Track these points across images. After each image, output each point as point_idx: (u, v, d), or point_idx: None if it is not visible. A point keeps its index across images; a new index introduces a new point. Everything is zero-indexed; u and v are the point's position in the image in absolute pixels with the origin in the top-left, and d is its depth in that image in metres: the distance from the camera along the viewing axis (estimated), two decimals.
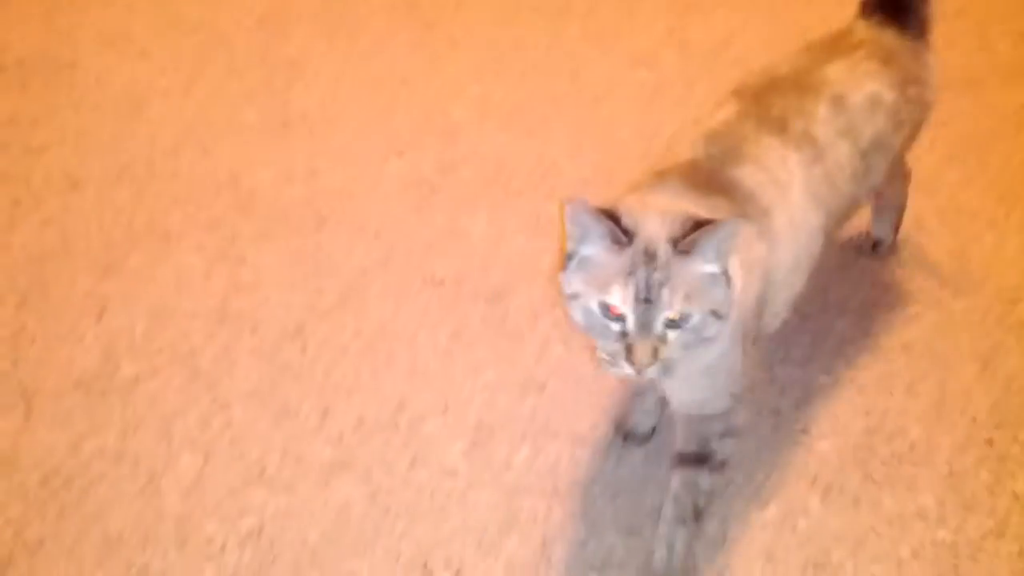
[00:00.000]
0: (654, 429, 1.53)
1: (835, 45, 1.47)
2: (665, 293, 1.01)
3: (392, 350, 1.68)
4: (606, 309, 1.04)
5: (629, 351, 1.04)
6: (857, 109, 1.38)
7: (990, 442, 1.53)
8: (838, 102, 1.36)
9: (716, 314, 1.05)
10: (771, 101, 1.34)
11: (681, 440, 1.31)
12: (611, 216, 1.03)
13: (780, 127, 1.30)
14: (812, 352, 1.66)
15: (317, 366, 1.65)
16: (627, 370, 1.06)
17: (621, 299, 1.02)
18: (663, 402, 1.45)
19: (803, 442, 1.53)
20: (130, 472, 1.48)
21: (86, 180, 2.04)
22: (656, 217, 1.05)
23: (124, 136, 2.17)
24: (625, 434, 1.53)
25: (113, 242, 1.89)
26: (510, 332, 1.71)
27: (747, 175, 1.23)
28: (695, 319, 1.04)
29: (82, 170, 2.07)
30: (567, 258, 1.08)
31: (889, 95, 1.42)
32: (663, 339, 1.04)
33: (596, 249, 1.05)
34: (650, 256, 1.02)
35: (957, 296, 1.77)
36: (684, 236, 1.02)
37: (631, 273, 1.02)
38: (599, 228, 1.03)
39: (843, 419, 1.56)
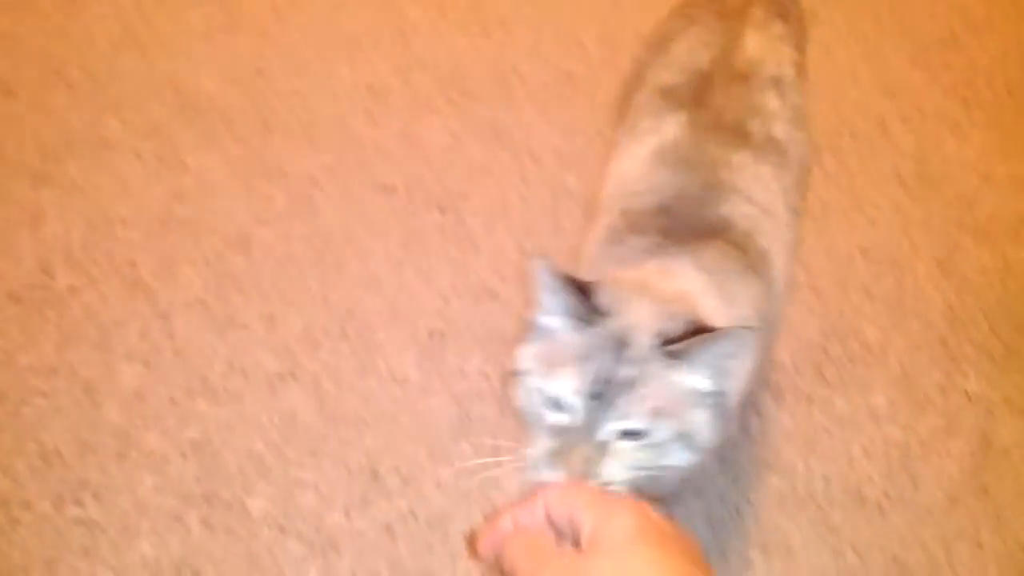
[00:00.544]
0: None
1: (721, 4, 1.26)
2: (626, 397, 0.80)
3: (341, 258, 1.64)
4: (547, 395, 0.83)
5: (560, 453, 0.80)
6: (791, 86, 1.20)
7: (943, 343, 1.52)
8: (778, 86, 1.18)
9: (688, 441, 0.83)
10: (716, 102, 1.14)
11: None
12: (580, 287, 0.85)
13: (742, 136, 1.11)
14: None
15: (263, 275, 1.61)
16: (552, 476, 0.81)
17: (567, 387, 0.81)
18: None
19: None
20: (67, 385, 1.44)
21: (19, 85, 1.95)
22: (648, 304, 0.86)
23: (59, 39, 2.07)
24: None
25: (49, 149, 1.81)
26: (464, 240, 1.67)
27: (735, 211, 1.03)
28: (659, 437, 0.81)
29: (14, 74, 1.97)
30: (528, 327, 0.90)
31: (797, 56, 1.26)
32: (607, 450, 0.81)
33: (557, 322, 0.86)
34: (620, 345, 0.82)
35: (917, 199, 1.75)
36: (680, 337, 0.82)
37: (587, 358, 0.81)
38: (561, 298, 0.85)
39: (798, 322, 1.54)
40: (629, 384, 0.80)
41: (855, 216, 1.71)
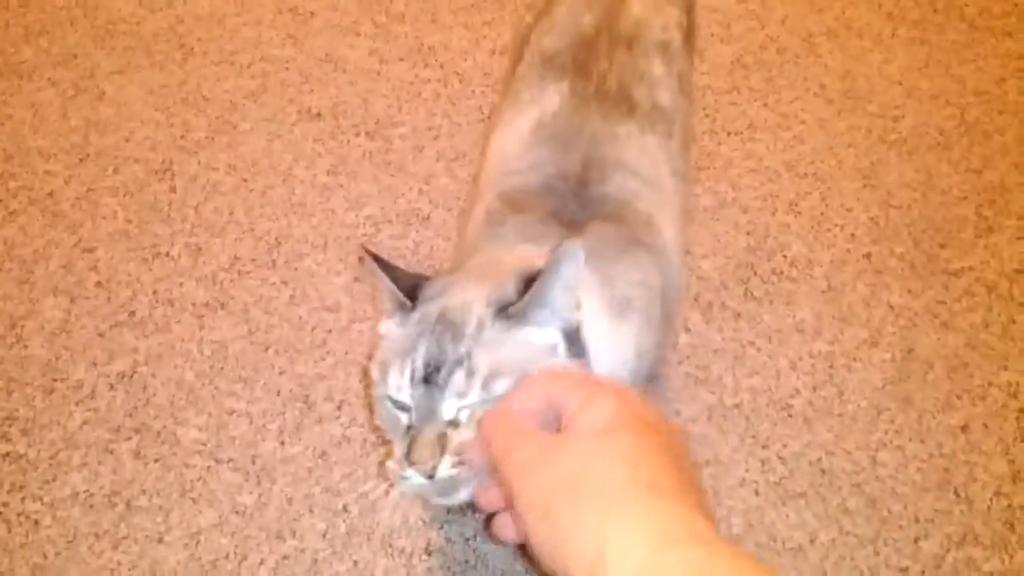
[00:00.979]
0: None
1: None
2: (460, 375, 0.74)
3: (267, 186, 1.61)
4: (388, 397, 0.79)
5: (410, 449, 0.75)
6: (677, 52, 1.14)
7: (868, 256, 1.55)
8: (665, 51, 1.12)
9: None
10: (600, 68, 1.07)
11: None
12: (407, 279, 0.82)
13: (627, 105, 1.05)
14: (697, 175, 1.64)
15: (187, 204, 1.57)
16: (411, 478, 0.76)
17: (396, 383, 0.77)
18: None
19: (686, 262, 1.52)
20: None
21: None
22: (484, 281, 0.81)
23: None
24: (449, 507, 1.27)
25: None
26: (392, 165, 1.65)
27: (620, 188, 0.98)
28: (501, 390, 0.74)
29: None
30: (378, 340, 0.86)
31: (684, 19, 1.20)
32: (455, 424, 0.76)
33: (390, 323, 0.84)
34: (445, 326, 0.77)
35: (842, 114, 1.76)
36: (517, 298, 0.77)
37: (412, 348, 0.77)
38: (388, 292, 0.82)
39: (725, 239, 1.56)
40: (459, 361, 0.75)
41: (781, 133, 1.72)
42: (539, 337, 0.77)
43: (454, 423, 0.75)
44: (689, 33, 1.23)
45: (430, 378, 0.75)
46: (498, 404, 0.71)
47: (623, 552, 0.47)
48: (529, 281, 0.77)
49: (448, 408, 0.75)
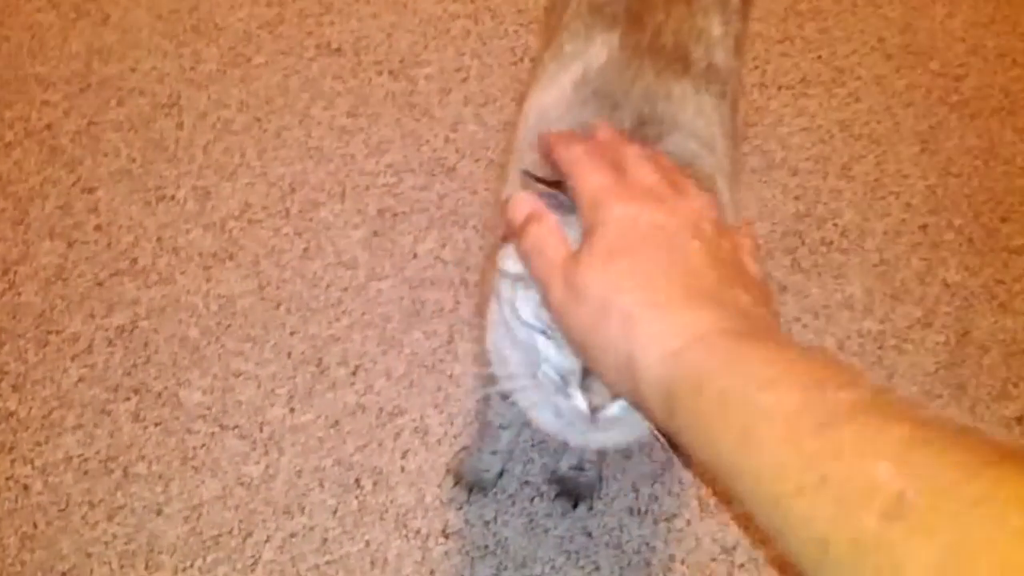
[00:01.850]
0: (504, 470, 1.21)
1: None
2: None
3: (282, 126, 1.49)
4: None
5: (589, 378, 0.67)
6: (735, 11, 1.04)
7: (924, 228, 1.45)
8: (724, 8, 1.02)
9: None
10: (656, 20, 0.96)
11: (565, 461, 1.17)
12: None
13: (682, 62, 0.94)
14: (744, 132, 1.52)
15: (195, 143, 1.46)
16: (579, 405, 0.69)
17: None
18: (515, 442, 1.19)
19: None
20: None
21: None
22: None
23: None
24: (470, 485, 1.19)
25: None
26: (417, 108, 1.53)
27: (676, 148, 0.88)
28: None
29: None
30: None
31: None
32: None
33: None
34: None
35: (900, 71, 1.63)
36: None
37: None
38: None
39: (772, 204, 1.45)
40: None
41: (836, 89, 1.60)
42: None
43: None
44: None
45: None
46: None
47: (650, 385, 0.51)
48: None
49: None
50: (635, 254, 0.55)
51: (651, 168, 0.62)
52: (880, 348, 1.32)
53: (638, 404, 0.55)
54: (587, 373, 0.67)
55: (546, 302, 0.61)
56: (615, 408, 0.67)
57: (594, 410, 0.67)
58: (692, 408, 0.49)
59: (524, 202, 0.63)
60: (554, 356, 0.70)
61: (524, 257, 0.63)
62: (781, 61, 1.62)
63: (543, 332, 0.70)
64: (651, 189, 0.60)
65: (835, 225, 1.44)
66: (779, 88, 1.59)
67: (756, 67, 1.61)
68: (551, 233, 0.60)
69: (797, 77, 1.61)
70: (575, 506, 1.17)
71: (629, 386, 0.54)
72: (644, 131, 0.88)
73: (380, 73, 1.57)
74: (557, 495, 1.18)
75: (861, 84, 1.61)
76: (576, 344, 0.58)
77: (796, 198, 1.46)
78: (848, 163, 1.51)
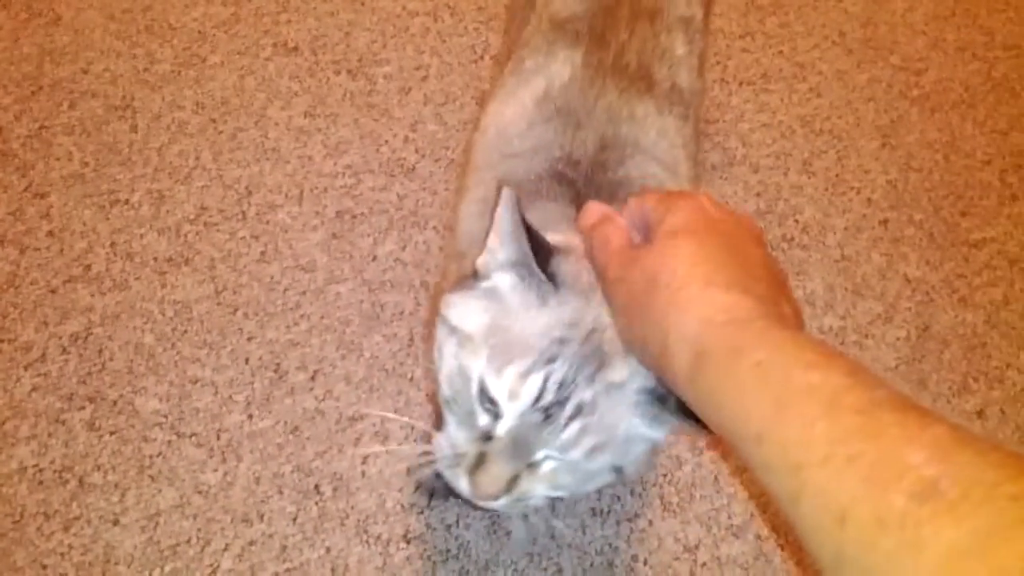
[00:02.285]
0: None
1: None
2: (575, 428, 0.65)
3: (238, 128, 1.47)
4: (483, 389, 0.66)
5: (477, 466, 0.67)
6: (698, 30, 1.03)
7: (884, 223, 1.45)
8: (687, 28, 1.00)
9: (620, 473, 0.71)
10: (619, 38, 0.94)
11: None
12: (538, 242, 0.67)
13: (645, 82, 0.92)
14: (705, 129, 1.52)
15: (149, 146, 1.44)
16: (460, 487, 0.69)
17: (512, 388, 0.64)
18: None
19: None
20: None
21: None
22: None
23: None
24: (430, 491, 1.16)
25: None
26: (375, 107, 1.52)
27: (637, 171, 0.86)
28: (594, 467, 0.68)
29: None
30: (473, 274, 0.71)
31: None
32: (532, 472, 0.68)
33: (507, 282, 0.68)
34: (592, 352, 0.65)
35: (861, 66, 1.64)
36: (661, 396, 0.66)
37: (551, 358, 0.64)
38: (516, 249, 0.67)
39: (734, 200, 1.44)
40: (581, 410, 0.65)
41: (797, 84, 1.60)
42: (655, 434, 0.69)
43: (533, 466, 0.68)
44: (708, 10, 1.10)
45: (551, 410, 0.64)
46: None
47: (681, 340, 0.54)
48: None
49: (544, 453, 0.67)
50: (698, 237, 0.59)
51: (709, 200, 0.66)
52: (841, 344, 1.32)
53: (660, 365, 0.57)
54: (481, 461, 0.66)
55: (601, 282, 0.65)
56: (501, 503, 0.68)
57: (480, 498, 0.67)
58: (724, 371, 0.52)
59: (596, 208, 0.68)
60: (453, 431, 0.70)
61: (589, 252, 0.67)
62: (742, 57, 1.62)
63: (448, 403, 0.69)
64: (715, 202, 0.65)
65: (796, 221, 1.44)
66: (740, 84, 1.58)
67: (717, 63, 1.60)
68: (618, 228, 0.65)
69: (758, 73, 1.60)
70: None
71: (657, 344, 0.57)
72: (606, 155, 0.87)
73: (338, 72, 1.55)
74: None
75: (822, 79, 1.61)
76: (618, 315, 0.63)
77: (757, 195, 1.46)
78: (809, 159, 1.51)
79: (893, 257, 1.41)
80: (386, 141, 1.47)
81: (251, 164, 1.43)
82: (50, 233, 1.34)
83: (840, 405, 0.46)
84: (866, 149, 1.53)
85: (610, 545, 1.15)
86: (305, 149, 1.45)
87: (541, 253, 0.67)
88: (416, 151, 1.46)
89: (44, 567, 1.10)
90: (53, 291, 1.29)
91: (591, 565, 1.13)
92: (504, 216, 0.66)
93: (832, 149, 1.52)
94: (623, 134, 0.88)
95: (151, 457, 1.17)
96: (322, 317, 1.28)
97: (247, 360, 1.24)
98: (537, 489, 0.68)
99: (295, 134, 1.47)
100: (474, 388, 0.66)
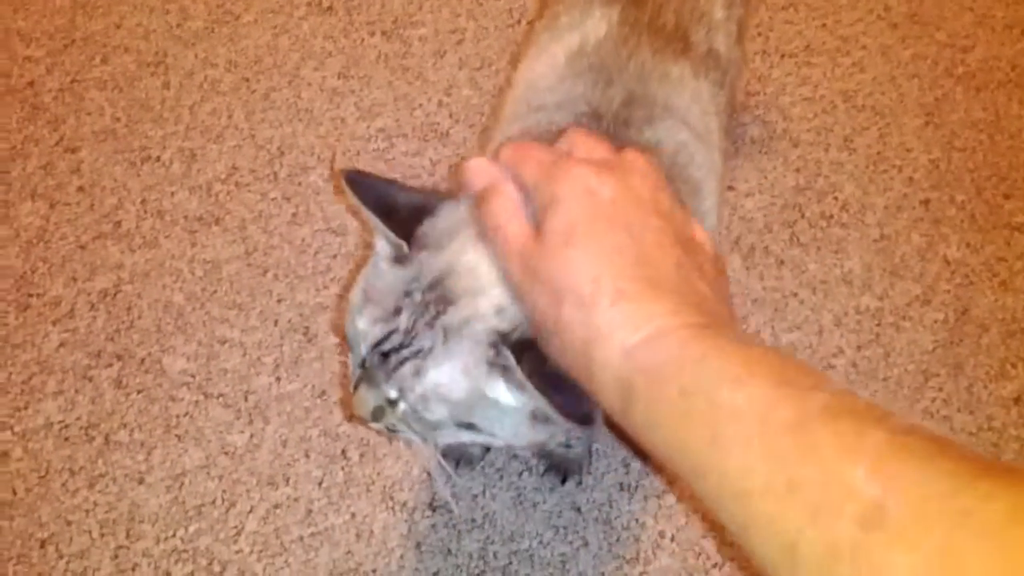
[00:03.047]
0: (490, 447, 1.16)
1: None
2: (407, 369, 0.65)
3: (271, 87, 1.46)
4: (354, 326, 0.69)
5: (355, 387, 0.70)
6: None
7: (926, 203, 1.42)
8: None
9: (473, 431, 0.70)
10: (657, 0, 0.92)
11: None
12: (389, 206, 0.66)
13: (682, 44, 0.90)
14: (745, 100, 1.49)
15: (182, 103, 1.43)
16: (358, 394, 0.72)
17: (361, 330, 0.67)
18: None
19: (728, 199, 1.39)
20: None
21: None
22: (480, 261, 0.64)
23: None
24: (457, 459, 1.15)
25: None
26: (410, 71, 1.49)
27: (667, 136, 0.83)
28: (431, 419, 0.68)
29: None
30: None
31: None
32: (393, 406, 0.69)
33: (381, 247, 0.69)
34: (437, 298, 0.64)
35: (906, 41, 1.60)
36: (517, 345, 0.62)
37: (392, 310, 0.65)
38: (371, 221, 0.68)
39: (773, 175, 1.42)
40: (419, 353, 0.65)
41: (840, 58, 1.56)
42: (506, 399, 0.66)
43: (393, 404, 0.68)
44: None
45: (388, 354, 0.66)
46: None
47: (604, 371, 0.50)
48: (529, 347, 0.61)
49: (383, 391, 0.68)
50: (592, 236, 0.53)
51: (596, 142, 0.59)
52: (878, 325, 1.30)
53: (593, 393, 0.53)
54: (357, 384, 0.69)
55: (506, 281, 0.60)
56: (376, 426, 0.71)
57: (357, 413, 0.70)
58: (652, 406, 0.48)
59: (483, 170, 0.60)
60: (351, 326, 0.70)
61: (482, 230, 0.60)
62: (784, 28, 1.59)
63: (358, 308, 0.69)
64: (600, 160, 0.57)
65: (835, 199, 1.41)
66: (782, 56, 1.55)
67: (759, 34, 1.57)
68: (508, 210, 0.57)
69: (801, 45, 1.57)
70: (563, 481, 1.16)
71: (584, 375, 0.52)
72: (632, 111, 0.84)
73: (372, 34, 1.53)
74: (546, 470, 1.16)
75: (866, 54, 1.57)
76: (534, 326, 0.57)
77: (797, 170, 1.43)
78: (850, 135, 1.47)
79: (933, 238, 1.38)
80: (420, 105, 1.45)
81: (283, 124, 1.41)
82: (80, 188, 1.33)
83: (771, 424, 0.43)
84: (909, 127, 1.49)
85: (636, 520, 1.13)
86: (338, 111, 1.43)
87: (414, 215, 0.66)
88: (450, 116, 1.44)
89: (69, 523, 1.10)
90: (83, 247, 1.28)
91: (617, 540, 1.12)
92: (354, 199, 0.67)
93: (874, 126, 1.49)
94: (652, 92, 0.85)
95: (178, 417, 1.16)
96: (352, 281, 1.27)
97: (276, 322, 1.23)
98: (400, 427, 0.70)
99: (328, 95, 1.45)
100: (349, 325, 0.70)
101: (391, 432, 0.72)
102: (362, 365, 0.69)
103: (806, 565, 0.40)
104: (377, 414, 0.69)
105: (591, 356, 0.51)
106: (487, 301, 0.63)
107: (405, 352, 0.65)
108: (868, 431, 0.41)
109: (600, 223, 0.53)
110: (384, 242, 0.68)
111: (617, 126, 0.82)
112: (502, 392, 0.65)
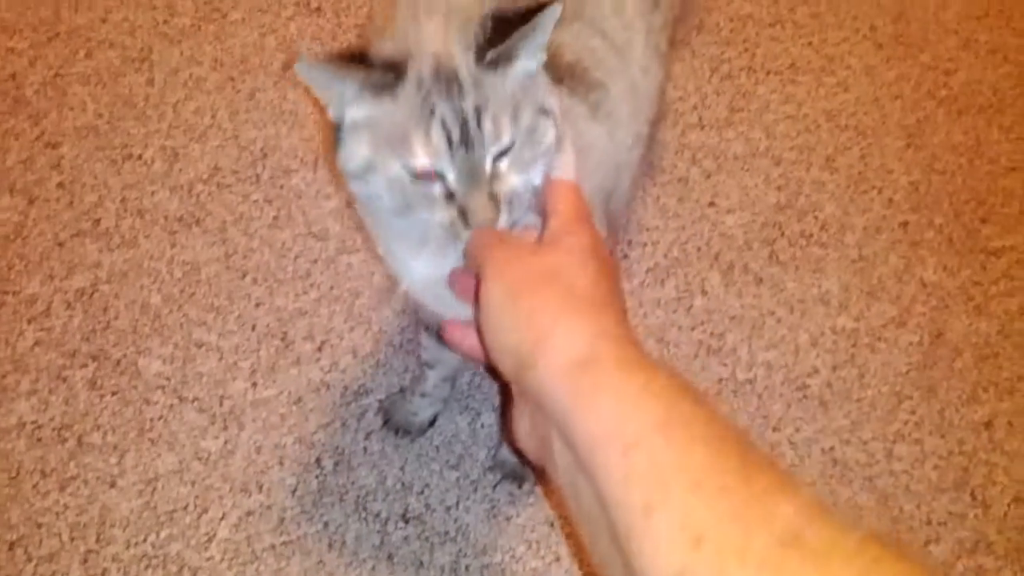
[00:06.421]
0: (436, 418, 1.20)
1: None
2: (488, 123, 0.70)
3: (256, 88, 1.45)
4: (414, 173, 0.70)
5: (464, 215, 0.71)
6: None
7: (904, 225, 1.43)
8: None
9: (545, 112, 0.74)
10: None
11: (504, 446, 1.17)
12: (356, 57, 0.71)
13: None
14: (730, 116, 1.49)
15: (165, 101, 1.41)
16: (458, 250, 0.75)
17: (428, 153, 0.69)
18: (451, 382, 1.19)
19: (709, 216, 1.40)
20: None
21: None
22: (436, 28, 0.72)
23: None
24: (397, 427, 1.19)
25: None
26: None
27: (572, 39, 0.86)
28: (525, 123, 0.72)
29: None
30: (335, 129, 0.75)
31: None
32: (498, 176, 0.72)
33: (365, 107, 0.71)
34: (449, 81, 0.70)
35: (891, 62, 1.61)
36: (490, 43, 0.70)
37: (431, 114, 0.69)
38: (348, 84, 0.70)
39: (754, 193, 1.43)
40: (481, 109, 0.70)
41: (825, 77, 1.57)
42: (524, 68, 0.72)
43: (496, 176, 0.72)
44: None
45: (465, 135, 0.70)
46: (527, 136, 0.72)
47: (566, 343, 0.55)
48: (503, 23, 0.71)
49: (489, 160, 0.71)
50: (512, 288, 0.60)
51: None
52: (853, 346, 1.31)
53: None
54: (463, 212, 0.71)
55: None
56: (504, 220, 0.72)
57: (488, 223, 0.71)
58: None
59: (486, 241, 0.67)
60: (428, 218, 0.72)
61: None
62: (771, 45, 1.59)
63: (403, 212, 0.72)
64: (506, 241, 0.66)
65: (816, 218, 1.42)
66: (767, 73, 1.56)
67: (745, 50, 1.57)
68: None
69: (786, 63, 1.58)
70: (520, 486, 1.16)
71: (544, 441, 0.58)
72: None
73: (360, 37, 1.52)
74: (500, 479, 1.16)
75: (850, 73, 1.58)
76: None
77: (778, 188, 1.44)
78: (832, 155, 1.48)
79: (911, 260, 1.39)
80: None
81: (267, 125, 1.40)
82: (60, 185, 1.32)
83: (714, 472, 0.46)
84: (890, 148, 1.50)
85: None
86: (323, 114, 1.42)
87: (365, 61, 0.71)
88: None
89: (39, 525, 1.09)
90: (61, 244, 1.27)
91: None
92: (320, 75, 0.70)
93: (856, 146, 1.50)
94: (569, 2, 0.81)
95: (152, 420, 1.16)
96: (332, 287, 1.27)
97: (254, 327, 1.23)
98: (513, 181, 0.72)
99: (313, 98, 1.44)
100: (406, 178, 0.71)
101: (514, 213, 0.73)
102: (449, 194, 0.71)
103: (708, 559, 0.43)
104: (496, 200, 0.71)
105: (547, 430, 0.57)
106: (459, 50, 0.70)
107: (472, 126, 0.69)
108: (801, 487, 0.46)
109: (601, 257, 0.62)
110: (365, 101, 0.70)
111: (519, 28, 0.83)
112: (519, 67, 0.72)
